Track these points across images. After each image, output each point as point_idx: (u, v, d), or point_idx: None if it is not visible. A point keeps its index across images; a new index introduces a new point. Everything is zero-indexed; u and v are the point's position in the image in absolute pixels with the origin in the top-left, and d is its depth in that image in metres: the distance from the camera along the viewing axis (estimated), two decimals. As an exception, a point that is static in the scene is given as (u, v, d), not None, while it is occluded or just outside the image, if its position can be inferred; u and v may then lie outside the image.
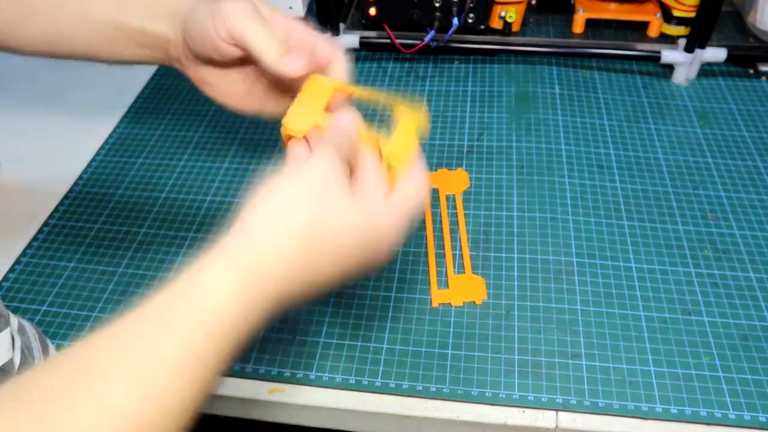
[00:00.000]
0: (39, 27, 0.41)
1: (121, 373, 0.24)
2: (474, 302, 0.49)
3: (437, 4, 0.69)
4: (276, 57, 0.36)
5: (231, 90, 0.42)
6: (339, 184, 0.31)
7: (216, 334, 0.27)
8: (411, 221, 0.34)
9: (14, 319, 0.45)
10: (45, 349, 0.45)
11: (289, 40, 0.38)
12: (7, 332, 0.41)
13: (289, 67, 0.36)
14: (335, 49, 0.40)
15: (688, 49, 0.68)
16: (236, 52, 0.37)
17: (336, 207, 0.30)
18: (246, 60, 0.39)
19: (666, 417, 0.42)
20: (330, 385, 0.44)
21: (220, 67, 0.40)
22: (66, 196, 0.60)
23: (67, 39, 0.41)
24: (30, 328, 0.45)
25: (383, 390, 0.44)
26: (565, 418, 0.42)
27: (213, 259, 0.30)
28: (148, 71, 0.77)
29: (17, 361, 0.41)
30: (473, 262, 0.52)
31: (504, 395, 0.43)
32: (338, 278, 0.32)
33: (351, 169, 0.33)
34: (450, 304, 0.49)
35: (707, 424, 0.42)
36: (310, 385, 0.45)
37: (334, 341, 0.47)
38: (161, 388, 0.25)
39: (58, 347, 0.48)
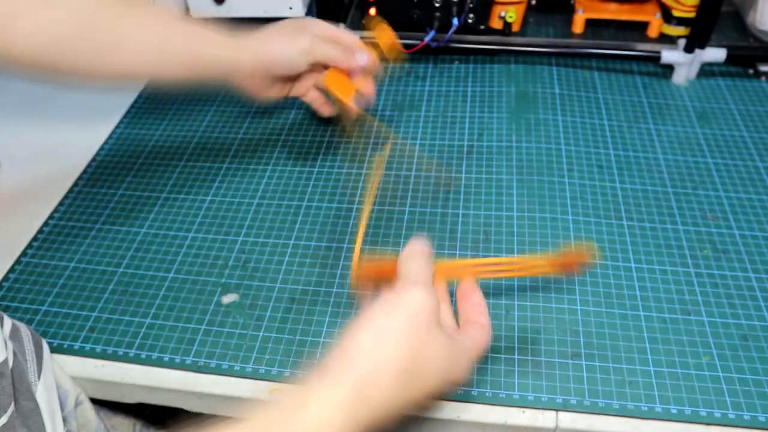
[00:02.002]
0: (122, 61, 0.47)
1: None
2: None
3: (437, 4, 0.69)
4: (344, 58, 0.54)
5: (268, 88, 0.57)
6: (435, 319, 0.34)
7: None
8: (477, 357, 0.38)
9: (7, 321, 0.45)
10: (39, 351, 0.45)
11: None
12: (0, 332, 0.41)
13: (359, 62, 0.55)
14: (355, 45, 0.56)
15: (688, 49, 0.68)
16: (308, 65, 0.55)
17: (431, 342, 0.34)
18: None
19: (666, 417, 0.42)
20: (330, 385, 0.44)
21: (289, 80, 0.58)
22: (66, 196, 0.60)
23: (147, 70, 0.49)
24: (24, 330, 0.45)
25: (383, 390, 0.44)
26: (565, 418, 0.42)
27: (320, 380, 0.32)
28: (148, 71, 0.77)
29: (11, 362, 0.41)
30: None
31: (504, 395, 0.43)
32: (421, 402, 0.35)
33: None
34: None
35: (707, 424, 0.42)
36: (310, 385, 0.45)
37: (335, 341, 0.47)
38: None
39: (56, 348, 0.48)
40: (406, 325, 0.33)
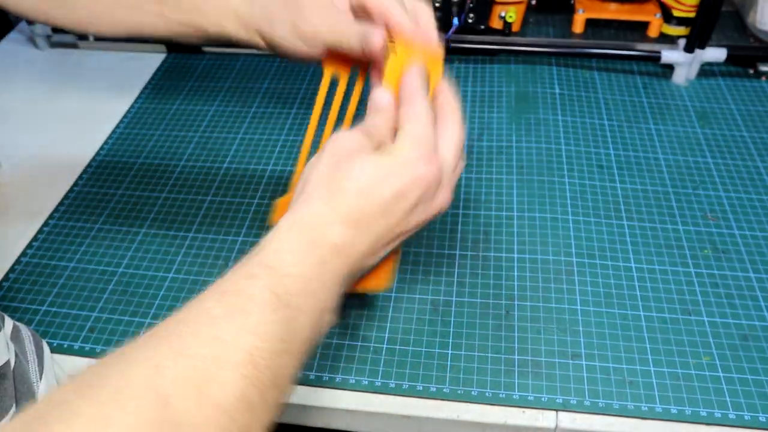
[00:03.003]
0: (119, 21, 0.44)
1: (227, 315, 0.29)
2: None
3: (437, 4, 0.69)
4: (358, 45, 0.39)
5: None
6: (355, 146, 0.35)
7: (290, 273, 0.31)
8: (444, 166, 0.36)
9: (8, 322, 0.45)
10: (40, 351, 0.45)
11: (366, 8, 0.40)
12: (1, 333, 0.41)
13: (370, 46, 0.38)
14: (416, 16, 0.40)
15: (688, 49, 0.68)
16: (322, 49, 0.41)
17: (352, 159, 0.34)
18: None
19: (666, 417, 0.42)
20: (330, 385, 0.44)
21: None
22: (66, 196, 0.60)
23: (147, 31, 0.44)
24: (25, 330, 0.45)
25: (383, 390, 0.44)
26: (565, 418, 0.42)
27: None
28: (148, 72, 0.77)
29: (13, 363, 0.41)
30: (471, 261, 0.52)
31: (504, 395, 0.43)
32: (391, 223, 0.34)
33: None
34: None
35: (707, 424, 0.42)
36: (310, 385, 0.45)
37: (335, 341, 0.47)
38: (256, 323, 0.28)
39: (56, 348, 0.48)
40: (327, 157, 0.34)
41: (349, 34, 0.39)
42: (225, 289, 0.30)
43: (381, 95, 0.38)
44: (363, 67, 0.43)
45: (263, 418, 0.28)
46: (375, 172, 0.34)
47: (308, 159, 0.36)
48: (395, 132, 0.37)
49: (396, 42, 0.39)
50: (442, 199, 0.36)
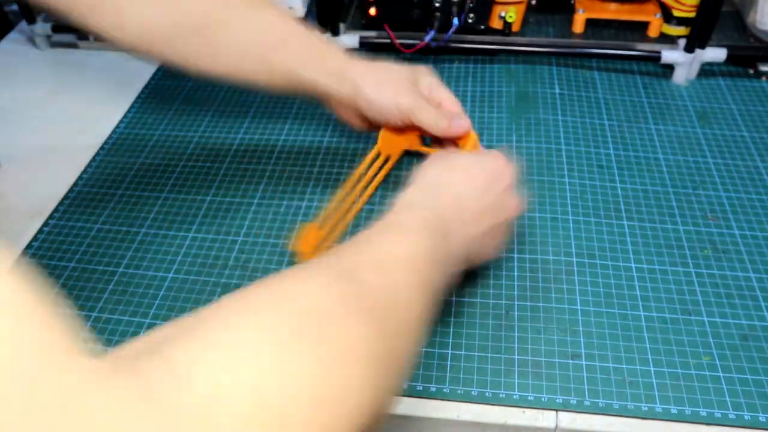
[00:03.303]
0: (222, 66, 0.50)
1: (388, 235, 0.36)
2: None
3: (437, 4, 0.69)
4: (446, 127, 0.49)
5: (359, 120, 0.54)
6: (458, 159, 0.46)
7: (424, 214, 0.38)
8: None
9: None
10: None
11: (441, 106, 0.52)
12: None
13: (456, 131, 0.50)
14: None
15: (688, 49, 0.68)
16: (402, 123, 0.51)
17: (452, 162, 0.45)
18: None
19: (666, 417, 0.42)
20: (330, 385, 0.44)
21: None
22: (66, 196, 0.60)
23: (245, 77, 0.51)
24: None
25: (383, 390, 0.44)
26: (565, 418, 0.42)
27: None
28: (148, 72, 0.77)
29: None
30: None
31: (504, 395, 0.43)
32: (480, 210, 0.42)
33: None
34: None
35: (707, 424, 0.42)
36: (310, 385, 0.45)
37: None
38: (415, 237, 0.36)
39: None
40: (434, 165, 0.44)
41: (441, 119, 0.49)
42: (372, 231, 0.36)
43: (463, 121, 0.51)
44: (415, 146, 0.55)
45: (437, 277, 0.36)
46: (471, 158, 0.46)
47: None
48: None
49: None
50: (516, 200, 0.45)
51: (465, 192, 0.42)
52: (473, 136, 0.51)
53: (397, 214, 0.39)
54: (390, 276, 0.32)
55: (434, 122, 0.49)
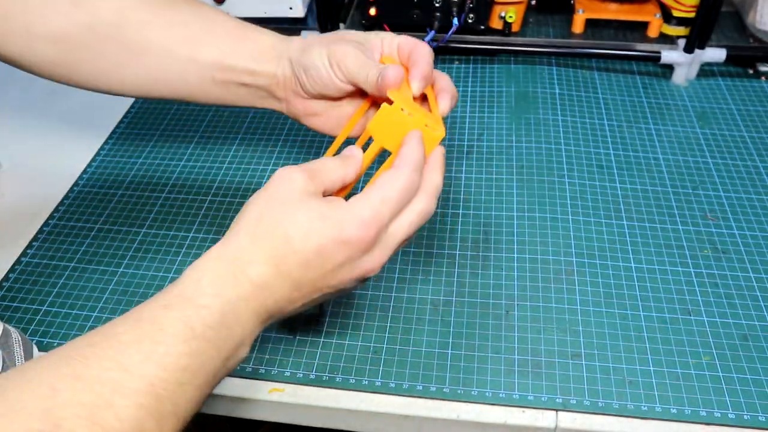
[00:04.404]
0: (147, 69, 0.44)
1: (135, 342, 0.29)
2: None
3: (437, 4, 0.69)
4: (373, 79, 0.39)
5: (341, 118, 0.45)
6: (295, 187, 0.35)
7: (207, 305, 0.31)
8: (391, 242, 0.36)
9: None
10: (29, 357, 0.45)
11: (399, 55, 0.42)
12: None
13: (384, 80, 0.38)
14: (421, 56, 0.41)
15: (688, 49, 0.68)
16: (351, 88, 0.42)
17: (287, 203, 0.34)
18: (358, 91, 0.43)
19: (666, 417, 0.42)
20: (330, 384, 0.44)
21: (333, 99, 0.44)
22: (66, 196, 0.60)
23: (173, 81, 0.45)
24: (15, 335, 0.45)
25: (383, 390, 0.44)
26: (565, 418, 0.42)
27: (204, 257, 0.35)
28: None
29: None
30: (471, 261, 0.52)
31: (504, 395, 0.43)
32: (311, 276, 0.34)
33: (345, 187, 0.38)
34: None
35: (707, 424, 0.42)
36: (310, 385, 0.45)
37: (334, 341, 0.47)
38: (163, 353, 0.29)
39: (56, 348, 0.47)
40: (261, 200, 0.36)
41: (369, 67, 0.40)
42: (140, 317, 0.31)
43: (354, 150, 0.38)
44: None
45: None
46: (304, 223, 0.33)
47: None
48: (349, 186, 0.38)
49: (400, 89, 0.39)
50: (370, 265, 0.35)
51: (301, 274, 0.34)
52: (410, 101, 0.39)
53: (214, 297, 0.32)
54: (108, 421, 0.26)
55: (361, 70, 0.40)
